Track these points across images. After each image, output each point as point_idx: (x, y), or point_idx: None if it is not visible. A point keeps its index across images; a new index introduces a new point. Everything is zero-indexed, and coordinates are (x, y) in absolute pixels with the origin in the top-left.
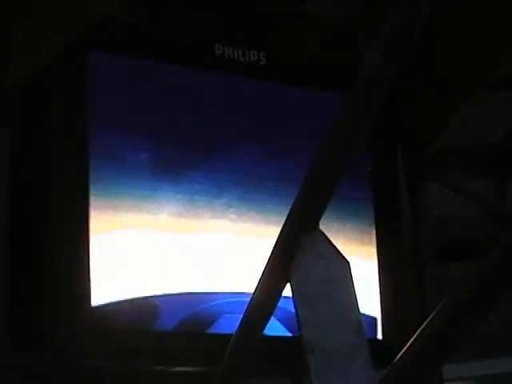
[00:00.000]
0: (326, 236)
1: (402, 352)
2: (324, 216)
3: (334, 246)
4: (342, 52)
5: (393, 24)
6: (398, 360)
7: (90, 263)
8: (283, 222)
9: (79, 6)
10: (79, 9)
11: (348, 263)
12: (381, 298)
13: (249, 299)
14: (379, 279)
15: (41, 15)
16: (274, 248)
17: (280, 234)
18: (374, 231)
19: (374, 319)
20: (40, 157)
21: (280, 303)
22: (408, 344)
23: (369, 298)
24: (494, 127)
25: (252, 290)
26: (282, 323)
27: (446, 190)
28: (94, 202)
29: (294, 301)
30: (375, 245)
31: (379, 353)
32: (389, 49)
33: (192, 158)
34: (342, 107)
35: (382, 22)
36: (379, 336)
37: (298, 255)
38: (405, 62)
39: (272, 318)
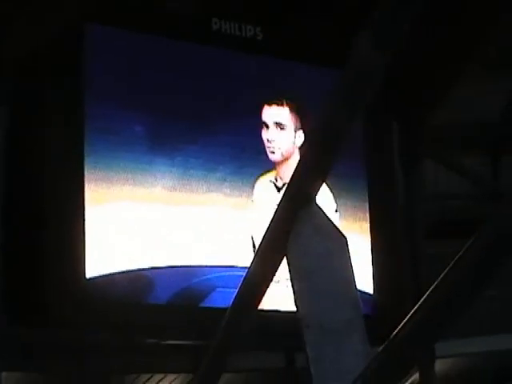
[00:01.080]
0: (322, 210)
1: (397, 329)
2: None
3: (331, 221)
4: (339, 27)
5: (384, 11)
6: (392, 337)
7: (85, 235)
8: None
9: None
10: None
11: (345, 238)
12: (374, 274)
13: (242, 273)
14: (372, 255)
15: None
16: (270, 222)
17: (277, 208)
18: (368, 207)
19: (369, 295)
20: (35, 131)
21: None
22: (403, 321)
23: (363, 274)
24: (489, 105)
25: (246, 264)
26: None
27: (441, 167)
28: (88, 175)
29: (290, 274)
30: (368, 221)
31: (372, 328)
32: (382, 33)
33: (187, 132)
34: (338, 84)
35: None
36: (372, 311)
37: (295, 229)
38: (397, 48)
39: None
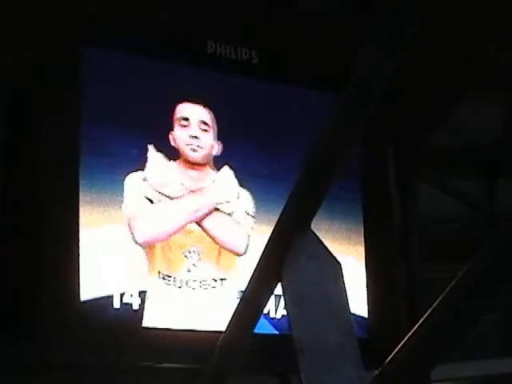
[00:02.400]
0: (317, 237)
1: (392, 354)
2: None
3: (326, 247)
4: (334, 51)
5: (389, 27)
6: (388, 362)
7: (80, 258)
8: (275, 222)
9: (71, 2)
10: (71, 5)
11: (339, 264)
12: (368, 297)
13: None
14: (367, 279)
15: (35, 10)
16: (265, 248)
17: (272, 234)
18: (363, 230)
19: (363, 318)
20: (29, 154)
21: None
22: (399, 346)
23: (358, 298)
24: (485, 129)
25: (242, 288)
26: (270, 322)
27: (437, 190)
28: (83, 197)
29: (285, 300)
30: (363, 244)
31: (367, 352)
32: (385, 50)
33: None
34: (335, 109)
35: (376, 24)
36: (367, 335)
37: (290, 255)
38: (398, 64)
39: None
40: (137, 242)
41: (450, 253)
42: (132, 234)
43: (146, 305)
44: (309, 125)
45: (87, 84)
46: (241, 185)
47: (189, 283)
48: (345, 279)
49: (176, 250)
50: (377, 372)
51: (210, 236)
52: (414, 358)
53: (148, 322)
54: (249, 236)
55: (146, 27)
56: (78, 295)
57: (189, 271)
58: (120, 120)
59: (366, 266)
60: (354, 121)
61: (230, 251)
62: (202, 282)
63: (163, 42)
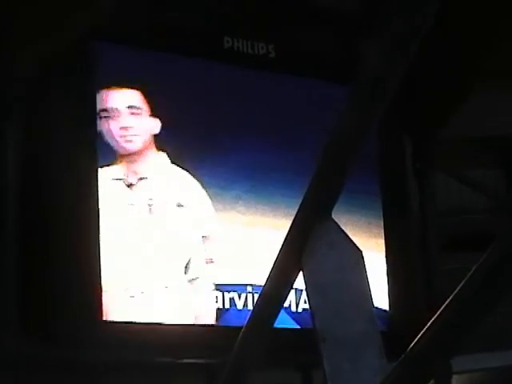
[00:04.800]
0: (338, 225)
1: (412, 344)
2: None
3: (347, 235)
4: (348, 44)
5: (398, 22)
6: (408, 351)
7: (102, 274)
8: (294, 213)
9: None
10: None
11: (360, 252)
12: (389, 290)
13: (257, 291)
14: (387, 271)
15: (44, 9)
16: (286, 237)
17: (292, 223)
18: (382, 223)
19: (384, 311)
20: (45, 154)
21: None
22: (418, 336)
23: (378, 291)
24: (505, 119)
25: (260, 283)
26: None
27: (454, 180)
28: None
29: (306, 289)
30: (383, 237)
31: (387, 344)
32: (398, 42)
33: (201, 150)
34: (351, 99)
35: (386, 18)
36: (388, 327)
37: (311, 244)
38: (410, 59)
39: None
40: None
41: (469, 244)
42: None
43: None
44: (325, 117)
45: (103, 80)
46: (252, 178)
47: None
48: (366, 267)
49: None
50: (397, 361)
51: None
52: (434, 346)
53: None
54: None
55: (160, 22)
56: (101, 314)
57: None
58: None
59: (386, 259)
60: (367, 112)
61: None
62: None
63: (178, 37)
